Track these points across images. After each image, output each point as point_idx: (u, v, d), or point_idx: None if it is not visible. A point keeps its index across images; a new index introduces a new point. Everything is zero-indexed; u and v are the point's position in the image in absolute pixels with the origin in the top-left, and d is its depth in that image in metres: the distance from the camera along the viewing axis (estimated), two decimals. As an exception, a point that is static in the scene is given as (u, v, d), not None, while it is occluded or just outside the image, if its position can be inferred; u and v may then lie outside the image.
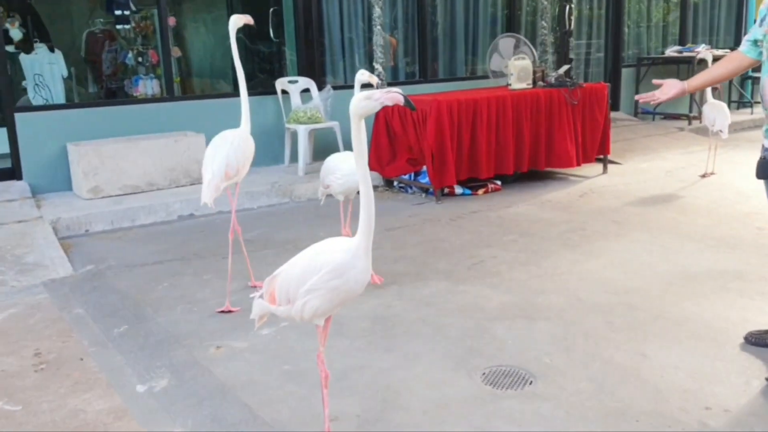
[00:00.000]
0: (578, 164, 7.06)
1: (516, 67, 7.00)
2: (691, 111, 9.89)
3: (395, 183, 6.94)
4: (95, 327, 3.81)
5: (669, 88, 3.27)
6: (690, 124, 9.64)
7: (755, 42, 3.06)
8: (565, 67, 7.71)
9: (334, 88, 7.28)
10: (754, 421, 2.63)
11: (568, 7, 9.29)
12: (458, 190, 6.53)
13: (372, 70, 6.96)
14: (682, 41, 10.78)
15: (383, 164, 6.82)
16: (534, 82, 7.15)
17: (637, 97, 3.48)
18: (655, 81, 3.37)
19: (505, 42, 7.87)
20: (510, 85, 7.06)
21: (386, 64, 6.88)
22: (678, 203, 5.98)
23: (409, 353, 3.30)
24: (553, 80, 7.28)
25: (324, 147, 7.43)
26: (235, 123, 4.41)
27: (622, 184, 6.83)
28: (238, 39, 4.45)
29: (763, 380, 2.89)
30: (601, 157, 7.42)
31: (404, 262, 4.67)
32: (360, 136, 2.44)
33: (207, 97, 7.55)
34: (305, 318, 2.58)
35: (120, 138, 6.55)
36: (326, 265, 2.46)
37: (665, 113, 10.28)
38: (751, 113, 10.60)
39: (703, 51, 9.22)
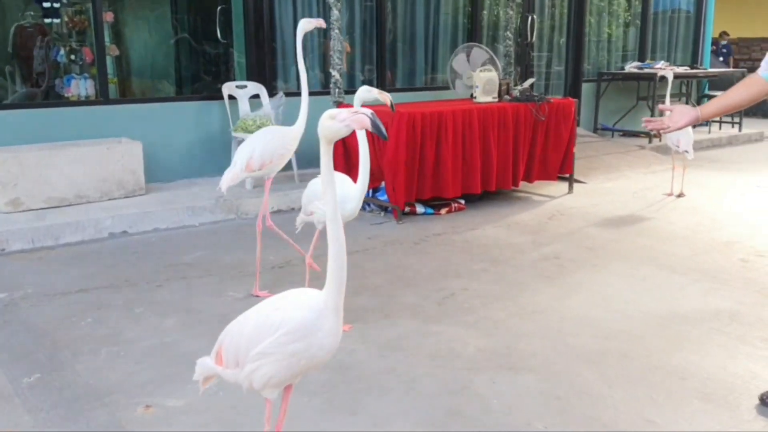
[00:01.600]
0: (532, 181, 6.79)
1: (482, 79, 6.60)
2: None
3: (352, 200, 6.42)
4: (1, 374, 3.18)
5: (680, 116, 2.86)
6: (650, 142, 9.45)
7: None
8: (530, 81, 7.36)
9: (287, 95, 6.73)
10: None
11: (530, 18, 8.99)
12: (420, 208, 6.07)
13: (328, 76, 6.44)
14: (641, 57, 10.62)
15: (339, 179, 6.30)
16: (500, 96, 6.76)
17: (645, 121, 3.06)
18: (661, 107, 2.98)
19: (469, 51, 7.47)
20: (475, 97, 6.66)
21: (343, 71, 6.37)
22: (651, 228, 5.66)
23: (378, 416, 2.79)
24: (518, 94, 6.91)
25: (274, 158, 6.88)
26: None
27: (590, 205, 6.50)
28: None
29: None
30: (566, 176, 7.09)
31: (366, 294, 4.16)
32: (328, 163, 2.03)
33: (146, 101, 6.89)
34: (255, 387, 2.08)
35: (45, 144, 5.85)
36: (285, 325, 2.00)
37: (624, 130, 10.08)
38: (709, 132, 10.52)
39: (666, 69, 9.07)
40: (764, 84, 2.74)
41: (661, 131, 2.90)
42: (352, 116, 1.93)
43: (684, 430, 2.67)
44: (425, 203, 6.08)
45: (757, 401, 2.86)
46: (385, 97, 3.48)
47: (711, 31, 11.56)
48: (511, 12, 7.56)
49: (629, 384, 3.03)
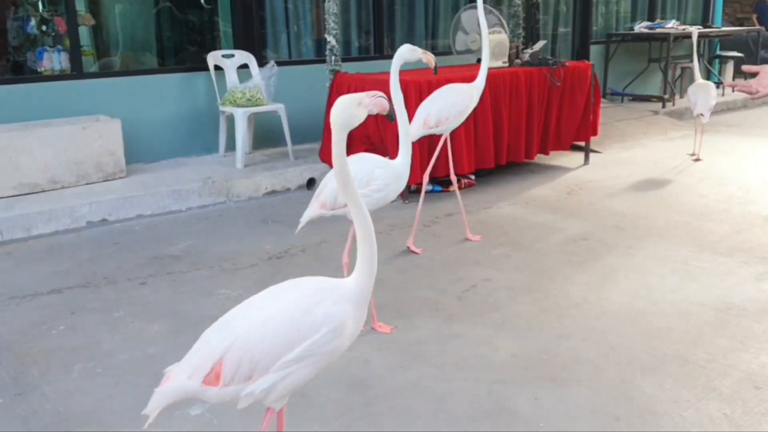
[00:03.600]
0: (548, 152, 6.30)
1: (491, 42, 6.03)
2: (665, 92, 9.16)
3: (352, 178, 5.91)
4: (-43, 400, 2.71)
5: None
6: (664, 106, 8.93)
7: None
8: (541, 43, 6.79)
9: (278, 64, 6.16)
10: None
11: (535, -23, 8.39)
12: (428, 186, 5.56)
13: (323, 43, 5.88)
14: (651, 17, 10.03)
15: (338, 156, 5.78)
16: (510, 60, 6.22)
17: (728, 84, 2.58)
18: (745, 68, 2.47)
19: (469, 15, 6.90)
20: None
21: (340, 36, 5.80)
22: (682, 202, 5.18)
23: (404, 449, 2.33)
24: (528, 58, 6.37)
25: (267, 134, 6.35)
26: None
27: (610, 177, 6.01)
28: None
29: None
30: (581, 144, 6.59)
31: (377, 287, 3.64)
32: (342, 153, 1.86)
33: (125, 74, 6.30)
34: (269, 399, 1.79)
35: (14, 125, 5.28)
36: (330, 321, 1.76)
37: (634, 94, 9.55)
38: (722, 94, 9.98)
39: (676, 28, 8.55)
40: None
41: (751, 97, 2.40)
42: (373, 100, 1.86)
43: (775, 459, 2.23)
44: (432, 180, 5.57)
45: None
46: (430, 58, 3.23)
47: (721, -12, 11.00)
48: (518, -32, 6.98)
49: (697, 398, 2.57)
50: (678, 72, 9.71)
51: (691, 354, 2.90)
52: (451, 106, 4.12)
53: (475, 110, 4.46)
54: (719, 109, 9.46)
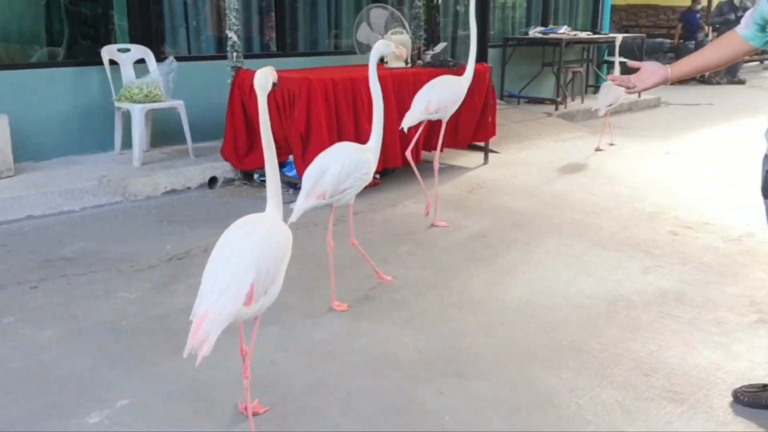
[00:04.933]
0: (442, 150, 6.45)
1: (393, 42, 6.10)
2: (557, 95, 9.57)
3: (256, 176, 5.84)
4: None
5: (648, 75, 2.51)
6: (557, 109, 9.33)
7: (764, 26, 2.36)
8: (442, 45, 6.94)
9: (178, 59, 5.98)
10: None
11: (436, -21, 8.55)
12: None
13: (225, 39, 5.76)
14: (544, 22, 10.45)
15: (241, 155, 5.68)
16: (412, 61, 6.32)
17: (610, 78, 2.73)
18: (631, 63, 2.62)
19: (376, 13, 6.96)
20: (386, 63, 6.18)
21: (242, 32, 5.70)
22: (575, 201, 5.43)
23: (314, 449, 2.33)
24: (429, 59, 6.49)
25: (166, 131, 6.16)
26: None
27: (508, 176, 6.22)
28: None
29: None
30: (480, 145, 6.78)
31: (283, 287, 3.64)
32: (265, 111, 2.51)
33: (12, 68, 5.92)
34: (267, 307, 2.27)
35: None
36: (290, 237, 2.39)
37: (529, 97, 9.91)
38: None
39: (616, 35, 9.11)
40: (743, 43, 2.42)
41: (628, 91, 2.56)
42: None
43: (663, 441, 2.38)
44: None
45: (729, 398, 2.61)
46: (402, 51, 3.71)
47: (609, -4, 11.61)
48: (420, -29, 7.10)
49: (591, 386, 2.72)
50: (570, 76, 10.17)
51: (585, 344, 3.05)
52: (449, 94, 4.71)
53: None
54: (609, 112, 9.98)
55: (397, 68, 6.07)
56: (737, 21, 12.09)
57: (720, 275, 3.87)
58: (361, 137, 5.34)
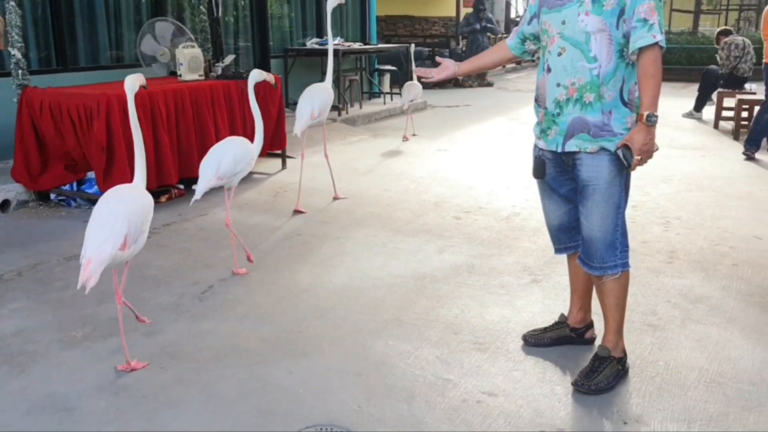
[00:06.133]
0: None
1: (186, 56, 6.24)
2: (339, 102, 10.21)
3: (52, 196, 5.64)
4: None
5: (443, 69, 3.17)
6: (340, 115, 9.96)
7: (523, 40, 3.02)
8: (230, 57, 7.17)
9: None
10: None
11: (215, -7, 8.71)
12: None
13: (7, 56, 5.49)
14: (319, 34, 11.06)
15: (34, 175, 5.46)
16: (205, 74, 6.49)
17: (415, 71, 3.27)
18: (438, 59, 3.18)
19: (161, 26, 7.00)
20: (180, 75, 6.28)
21: (24, 49, 5.46)
22: (372, 196, 6.00)
23: (188, 435, 2.54)
24: (221, 71, 6.70)
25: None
26: None
27: (307, 179, 6.60)
28: None
29: (567, 386, 2.91)
30: (277, 152, 7.14)
31: (112, 300, 3.70)
32: (134, 112, 3.37)
33: None
34: (135, 253, 3.04)
35: None
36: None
37: (313, 104, 10.42)
38: (384, 103, 11.43)
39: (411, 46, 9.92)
40: (508, 52, 3.11)
41: (426, 80, 3.13)
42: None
43: (477, 383, 2.93)
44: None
45: (520, 342, 3.26)
46: (270, 77, 4.59)
47: (375, 10, 12.53)
48: (205, -15, 7.26)
49: (414, 348, 3.22)
50: (347, 84, 10.88)
51: (403, 315, 3.56)
52: (326, 99, 5.62)
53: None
54: (383, 116, 10.86)
55: (192, 80, 6.20)
56: (482, 30, 13.88)
57: (498, 248, 4.63)
58: (161, 149, 5.44)
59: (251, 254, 4.31)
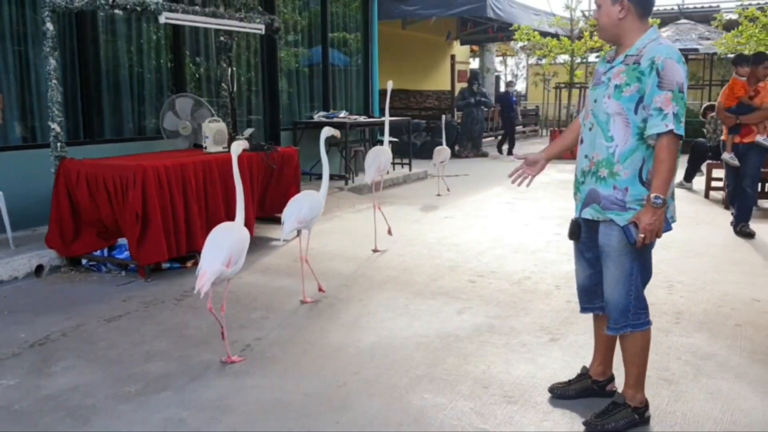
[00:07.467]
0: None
1: (212, 129, 6.64)
2: (345, 172, 10.62)
3: (84, 261, 5.89)
4: None
5: (534, 165, 3.39)
6: (346, 184, 10.34)
7: None
8: (250, 131, 7.59)
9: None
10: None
11: (230, 70, 9.20)
12: (165, 264, 5.84)
13: (47, 129, 5.85)
14: (326, 108, 11.57)
15: (67, 242, 5.73)
16: (229, 146, 6.85)
17: (511, 176, 3.46)
18: (514, 156, 3.46)
19: (182, 101, 7.42)
20: (206, 148, 6.65)
21: (63, 123, 5.82)
22: (388, 260, 6.29)
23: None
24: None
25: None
26: None
27: (322, 245, 6.93)
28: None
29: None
30: (291, 219, 7.45)
31: (158, 359, 3.94)
32: (237, 171, 4.29)
33: None
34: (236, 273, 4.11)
35: None
36: (247, 236, 4.26)
37: (320, 174, 10.81)
38: (387, 173, 11.84)
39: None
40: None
41: (525, 182, 3.41)
42: None
43: (512, 430, 3.16)
44: (171, 259, 5.86)
45: (547, 395, 3.50)
46: (337, 133, 5.61)
47: (378, 84, 13.10)
48: (224, 64, 7.72)
49: (449, 401, 3.45)
50: (352, 154, 11.31)
51: (434, 372, 3.80)
52: (387, 157, 6.92)
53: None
54: (386, 185, 11.25)
55: (217, 152, 6.56)
56: (477, 104, 14.48)
57: (514, 310, 4.90)
58: (191, 217, 5.74)
59: (322, 285, 5.26)
